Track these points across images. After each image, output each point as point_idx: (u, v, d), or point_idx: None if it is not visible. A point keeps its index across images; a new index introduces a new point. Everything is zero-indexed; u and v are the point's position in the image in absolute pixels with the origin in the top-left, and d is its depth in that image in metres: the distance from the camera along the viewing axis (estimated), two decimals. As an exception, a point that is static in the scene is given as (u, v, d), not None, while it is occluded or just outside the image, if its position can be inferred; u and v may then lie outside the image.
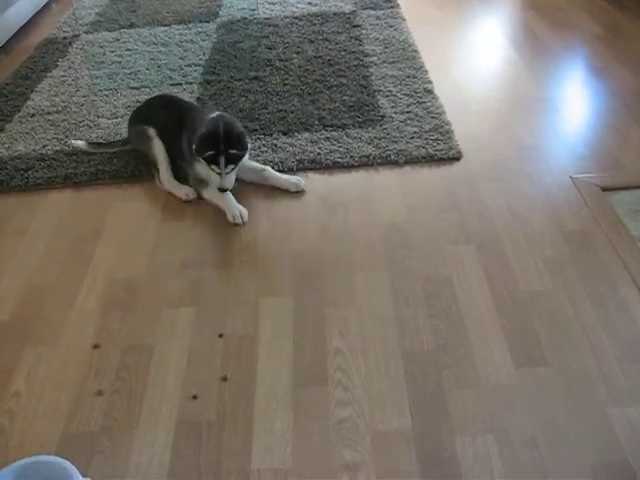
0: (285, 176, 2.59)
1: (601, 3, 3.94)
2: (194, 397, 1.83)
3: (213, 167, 2.43)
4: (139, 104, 3.03)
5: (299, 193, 2.55)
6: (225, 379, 1.87)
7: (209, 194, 2.54)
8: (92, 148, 2.87)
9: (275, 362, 1.91)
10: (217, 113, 2.55)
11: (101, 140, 2.95)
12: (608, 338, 1.90)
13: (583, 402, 1.74)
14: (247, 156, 2.58)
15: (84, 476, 1.60)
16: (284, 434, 1.72)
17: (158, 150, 2.69)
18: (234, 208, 2.47)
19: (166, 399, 1.83)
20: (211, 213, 2.51)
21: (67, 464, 1.52)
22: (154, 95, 3.14)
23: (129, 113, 3.11)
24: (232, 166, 2.45)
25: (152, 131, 2.72)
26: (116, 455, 1.71)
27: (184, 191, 2.60)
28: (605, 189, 2.46)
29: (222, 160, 2.41)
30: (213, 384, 1.86)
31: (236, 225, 2.45)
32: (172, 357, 1.95)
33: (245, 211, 2.47)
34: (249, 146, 2.50)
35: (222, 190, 2.47)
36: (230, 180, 2.48)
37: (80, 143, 2.88)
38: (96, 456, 1.71)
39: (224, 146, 2.40)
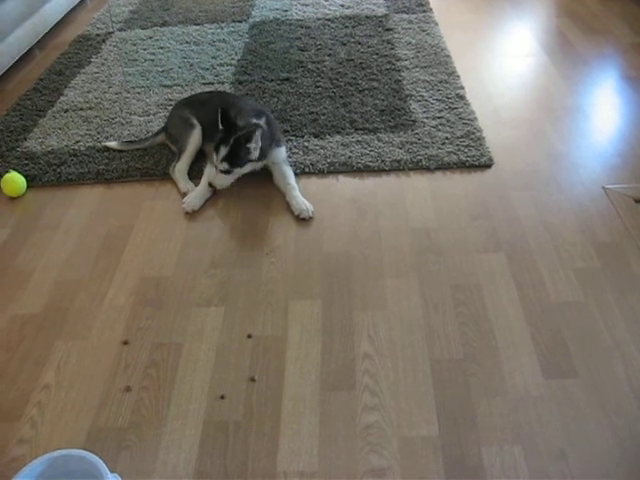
0: (300, 200, 2.50)
1: (637, 11, 3.90)
2: (222, 397, 1.84)
3: (214, 159, 2.50)
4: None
5: (304, 220, 2.47)
6: (253, 380, 1.87)
7: (207, 171, 2.62)
8: (124, 146, 2.90)
9: (303, 365, 1.91)
10: (259, 121, 2.58)
11: (133, 137, 2.97)
12: None
13: (613, 416, 1.72)
14: (284, 156, 2.65)
15: (112, 471, 1.61)
16: (311, 437, 1.73)
17: (193, 141, 2.74)
18: (196, 199, 2.55)
19: (194, 398, 1.85)
20: (241, 213, 2.52)
21: (97, 459, 1.54)
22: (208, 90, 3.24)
23: (161, 111, 3.15)
24: (226, 165, 2.47)
25: (196, 120, 2.78)
26: (143, 452, 1.73)
27: (187, 186, 2.65)
28: (638, 200, 2.44)
29: (222, 150, 2.46)
30: (241, 385, 1.87)
31: (185, 213, 2.53)
32: (200, 356, 1.96)
33: (197, 208, 2.54)
34: (249, 160, 2.52)
35: (210, 185, 2.54)
36: (220, 181, 2.53)
37: (112, 144, 2.91)
38: (123, 452, 1.73)
39: (234, 141, 2.44)
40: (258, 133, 2.45)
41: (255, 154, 2.50)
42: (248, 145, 2.46)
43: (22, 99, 3.38)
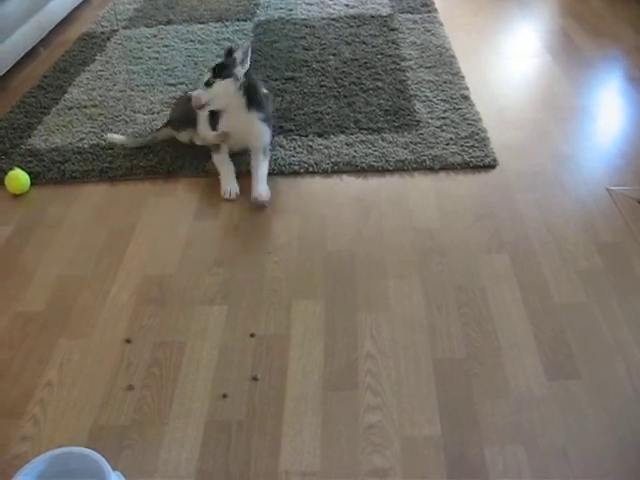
0: (260, 181, 2.56)
1: (642, 13, 3.90)
2: (224, 396, 1.84)
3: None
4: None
5: (260, 206, 2.52)
6: (256, 379, 1.87)
7: (216, 159, 2.70)
8: (129, 141, 2.90)
9: (306, 364, 1.91)
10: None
11: (136, 135, 2.97)
12: (642, 354, 1.88)
13: (616, 417, 1.72)
14: (267, 140, 2.71)
15: (114, 470, 1.61)
16: (313, 437, 1.72)
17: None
18: (228, 184, 2.60)
19: (196, 397, 1.84)
20: (245, 212, 2.52)
21: (99, 457, 1.53)
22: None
23: (165, 109, 3.15)
24: (209, 75, 2.60)
25: None
26: (145, 450, 1.73)
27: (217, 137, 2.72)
28: (642, 202, 2.44)
29: (216, 66, 2.63)
30: (243, 384, 1.87)
31: (226, 201, 2.56)
32: (203, 355, 1.96)
33: (237, 189, 2.59)
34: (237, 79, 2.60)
35: (189, 100, 2.63)
36: (197, 95, 2.57)
37: (117, 137, 2.90)
38: (125, 450, 1.73)
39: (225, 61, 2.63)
40: (246, 45, 2.59)
41: (240, 70, 2.60)
42: (235, 55, 2.60)
43: (26, 96, 3.38)
